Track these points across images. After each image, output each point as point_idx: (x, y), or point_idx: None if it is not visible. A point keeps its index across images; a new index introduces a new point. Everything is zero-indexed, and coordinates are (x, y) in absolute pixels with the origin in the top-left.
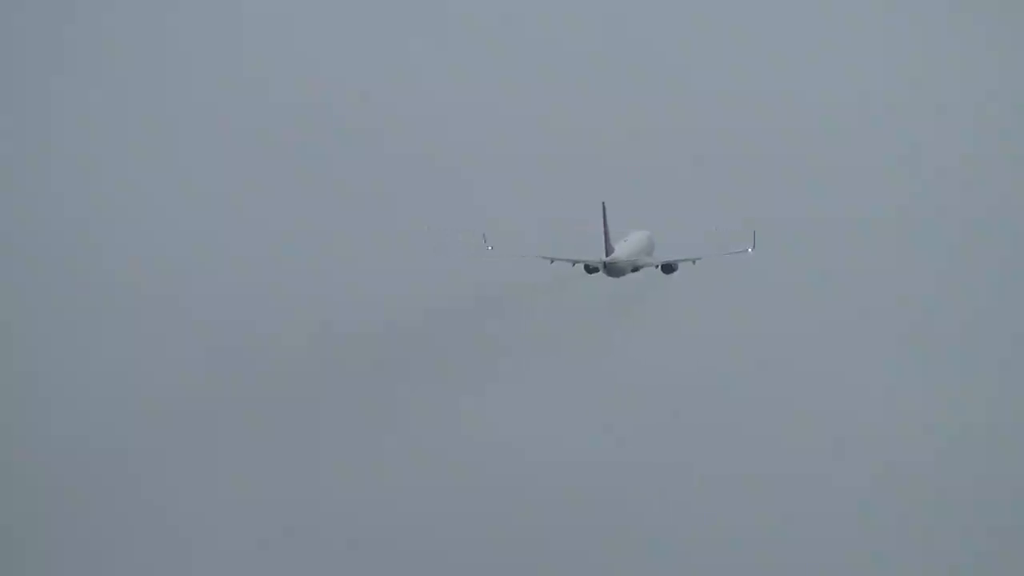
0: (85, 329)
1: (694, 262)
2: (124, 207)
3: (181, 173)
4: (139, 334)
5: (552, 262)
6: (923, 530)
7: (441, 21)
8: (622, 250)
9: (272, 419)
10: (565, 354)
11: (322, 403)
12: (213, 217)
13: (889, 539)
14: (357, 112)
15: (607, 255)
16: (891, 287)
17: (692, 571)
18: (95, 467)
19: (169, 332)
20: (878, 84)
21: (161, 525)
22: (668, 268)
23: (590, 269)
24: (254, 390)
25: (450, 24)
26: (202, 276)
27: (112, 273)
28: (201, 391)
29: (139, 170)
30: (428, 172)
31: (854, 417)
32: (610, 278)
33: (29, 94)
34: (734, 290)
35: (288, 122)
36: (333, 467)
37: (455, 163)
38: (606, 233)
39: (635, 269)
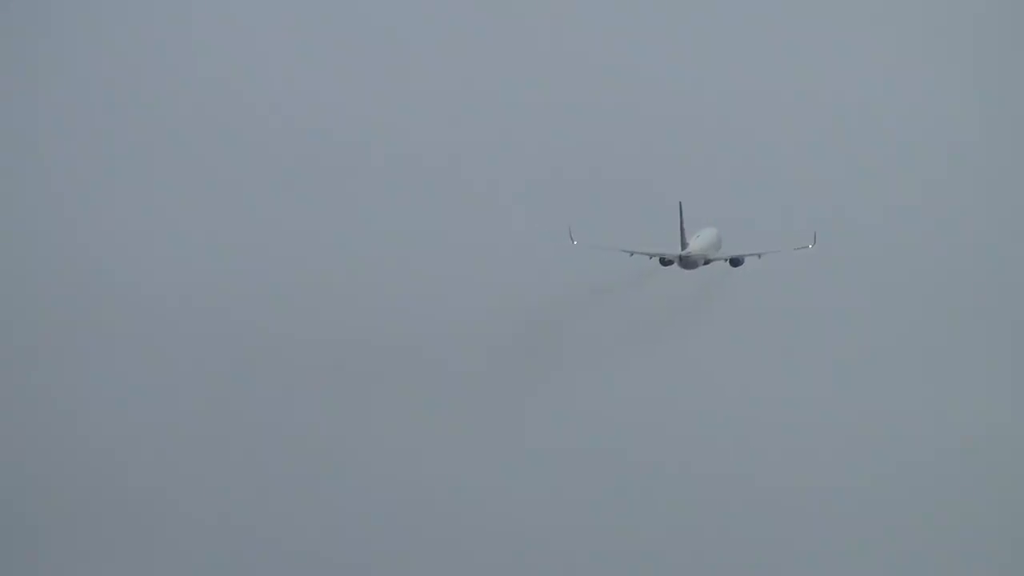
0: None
1: (759, 256)
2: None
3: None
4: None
5: (631, 255)
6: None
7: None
8: (695, 244)
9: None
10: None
11: (402, 400)
12: (238, 224)
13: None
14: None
15: (683, 249)
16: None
17: None
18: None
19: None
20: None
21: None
22: (735, 262)
23: (665, 262)
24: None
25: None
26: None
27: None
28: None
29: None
30: (518, 168)
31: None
32: (684, 270)
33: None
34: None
35: (327, 123)
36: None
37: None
38: (682, 229)
39: (706, 262)
